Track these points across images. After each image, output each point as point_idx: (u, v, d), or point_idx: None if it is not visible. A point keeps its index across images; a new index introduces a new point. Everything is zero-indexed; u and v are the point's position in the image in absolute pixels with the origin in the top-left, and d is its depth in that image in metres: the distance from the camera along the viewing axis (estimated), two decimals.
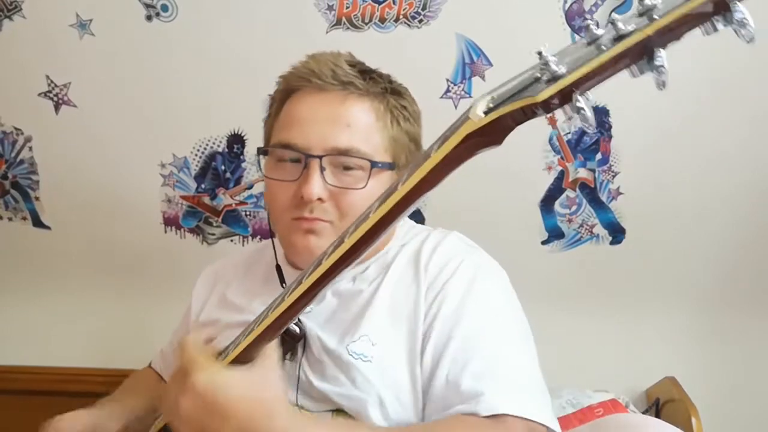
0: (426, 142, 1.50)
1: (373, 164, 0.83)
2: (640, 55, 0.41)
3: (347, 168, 0.83)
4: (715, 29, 0.40)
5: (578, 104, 0.42)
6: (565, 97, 0.43)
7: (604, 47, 0.41)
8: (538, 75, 0.45)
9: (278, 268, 0.92)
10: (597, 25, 0.43)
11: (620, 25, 0.41)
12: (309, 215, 0.83)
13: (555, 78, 0.43)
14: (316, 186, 0.81)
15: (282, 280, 0.91)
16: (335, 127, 0.83)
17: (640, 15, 0.41)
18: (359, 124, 0.84)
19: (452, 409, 0.74)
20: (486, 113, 0.47)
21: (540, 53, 0.44)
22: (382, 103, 0.86)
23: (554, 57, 0.44)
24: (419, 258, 0.86)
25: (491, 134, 0.48)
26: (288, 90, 0.88)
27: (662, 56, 0.40)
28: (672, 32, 0.40)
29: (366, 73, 0.87)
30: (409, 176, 0.53)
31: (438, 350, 0.78)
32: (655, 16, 0.40)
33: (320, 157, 0.82)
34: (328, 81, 0.84)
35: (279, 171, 0.85)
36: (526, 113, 0.46)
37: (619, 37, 0.41)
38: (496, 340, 0.80)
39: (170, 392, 0.66)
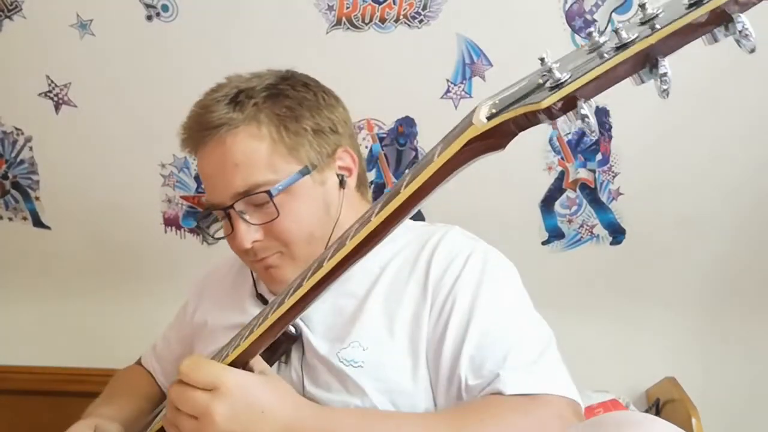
0: (427, 141, 1.51)
1: (270, 193, 0.81)
2: (643, 63, 0.41)
3: (261, 203, 0.83)
4: (716, 39, 0.41)
5: (582, 111, 0.43)
6: (569, 103, 0.43)
7: (605, 55, 0.42)
8: (541, 81, 0.45)
9: (260, 296, 0.94)
10: (599, 32, 0.44)
11: (623, 33, 0.41)
12: (256, 258, 0.85)
13: (558, 85, 0.43)
14: (242, 237, 0.83)
15: (265, 302, 0.92)
16: (227, 173, 0.83)
17: (642, 23, 0.41)
18: (245, 158, 0.82)
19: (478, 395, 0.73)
20: (489, 118, 0.47)
21: (542, 59, 0.45)
22: (260, 123, 0.83)
23: (557, 63, 0.44)
24: (419, 257, 0.85)
25: (494, 139, 0.48)
26: (190, 152, 0.90)
27: (665, 65, 0.41)
28: (674, 42, 0.41)
29: (234, 99, 0.84)
30: (411, 179, 0.53)
31: (455, 351, 0.76)
32: (657, 26, 0.40)
33: (231, 207, 0.83)
34: (201, 133, 0.85)
35: (224, 226, 0.88)
36: (529, 119, 0.46)
37: (622, 46, 0.41)
38: (513, 331, 0.78)
39: (197, 403, 0.64)
